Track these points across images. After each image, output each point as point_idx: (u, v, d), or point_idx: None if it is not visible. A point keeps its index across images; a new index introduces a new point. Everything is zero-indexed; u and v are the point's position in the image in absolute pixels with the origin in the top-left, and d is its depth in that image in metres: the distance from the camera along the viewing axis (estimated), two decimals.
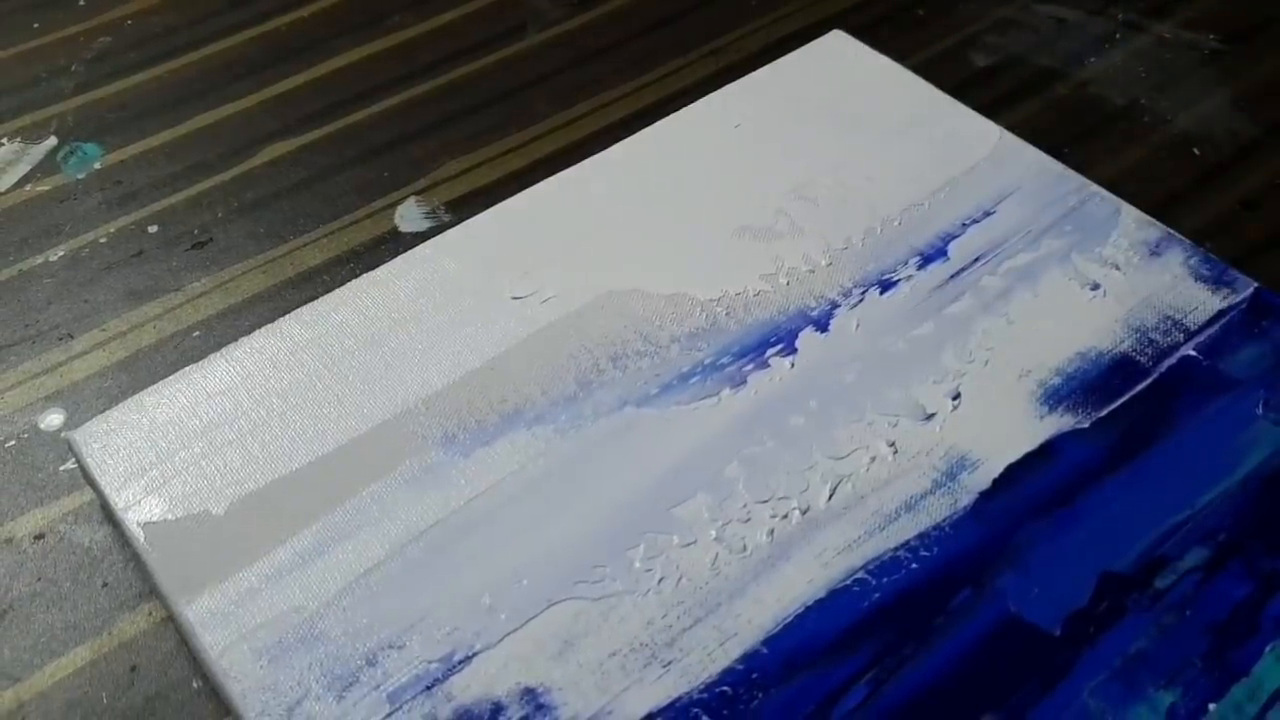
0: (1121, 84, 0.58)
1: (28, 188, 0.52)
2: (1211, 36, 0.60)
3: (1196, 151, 0.55)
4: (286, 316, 0.44)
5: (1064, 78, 0.59)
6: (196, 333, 0.47)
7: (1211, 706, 0.35)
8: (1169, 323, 0.44)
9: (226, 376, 0.42)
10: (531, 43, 0.60)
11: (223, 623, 0.36)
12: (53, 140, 0.54)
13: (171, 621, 0.38)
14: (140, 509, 0.38)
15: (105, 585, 0.39)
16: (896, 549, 0.38)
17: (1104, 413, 0.41)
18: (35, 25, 0.60)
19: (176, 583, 0.36)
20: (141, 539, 0.37)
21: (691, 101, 0.52)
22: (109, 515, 0.41)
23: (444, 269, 0.45)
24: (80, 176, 0.53)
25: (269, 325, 0.43)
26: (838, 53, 0.54)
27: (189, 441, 0.40)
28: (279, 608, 0.36)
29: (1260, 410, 0.41)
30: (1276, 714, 0.34)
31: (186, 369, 0.42)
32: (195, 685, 0.37)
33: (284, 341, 0.43)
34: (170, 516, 0.38)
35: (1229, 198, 0.53)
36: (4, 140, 0.54)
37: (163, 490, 0.38)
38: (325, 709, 0.34)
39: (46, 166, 0.53)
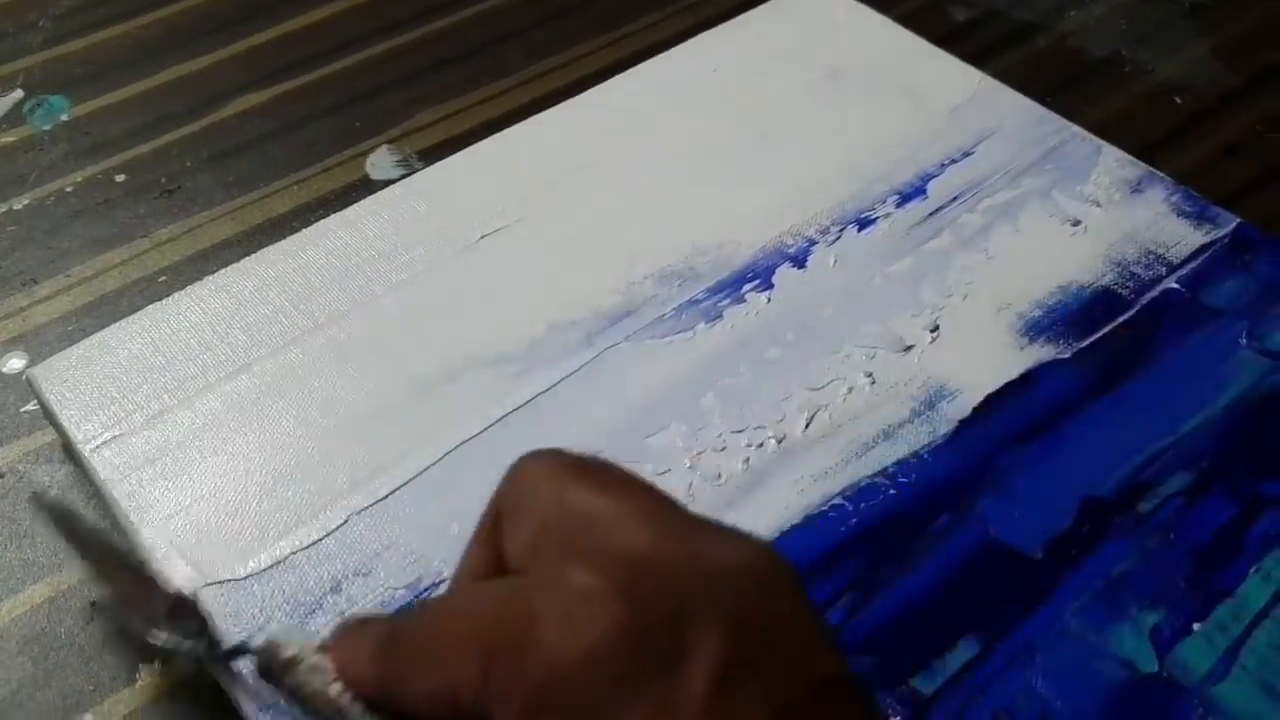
0: (1102, 36, 0.58)
1: None
2: None
3: (1178, 100, 0.55)
4: (252, 256, 0.43)
5: (1044, 30, 0.58)
6: (163, 278, 0.46)
7: (1196, 626, 0.34)
8: (1151, 257, 0.43)
9: (190, 314, 0.41)
10: None
11: (186, 554, 0.35)
12: (19, 93, 0.53)
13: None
14: (101, 443, 0.37)
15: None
16: (874, 475, 0.37)
17: (1085, 343, 0.41)
18: None
19: (138, 514, 0.35)
20: (102, 472, 0.36)
21: None
22: (70, 454, 0.40)
23: (414, 209, 0.44)
24: (47, 128, 0.52)
25: (234, 264, 0.43)
26: (816, 1, 0.54)
27: (151, 377, 0.39)
28: (243, 537, 0.35)
29: (1244, 340, 0.41)
30: (1262, 632, 0.34)
31: (150, 307, 0.41)
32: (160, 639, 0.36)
33: (250, 280, 0.42)
34: (131, 450, 0.37)
35: (1211, 144, 0.52)
36: None
37: (124, 424, 0.38)
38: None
39: (12, 118, 0.52)
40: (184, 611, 0.30)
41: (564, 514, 0.23)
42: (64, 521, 0.33)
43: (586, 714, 0.21)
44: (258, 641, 0.28)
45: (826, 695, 0.21)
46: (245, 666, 0.31)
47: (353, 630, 0.27)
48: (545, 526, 0.23)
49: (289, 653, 0.27)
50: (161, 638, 0.30)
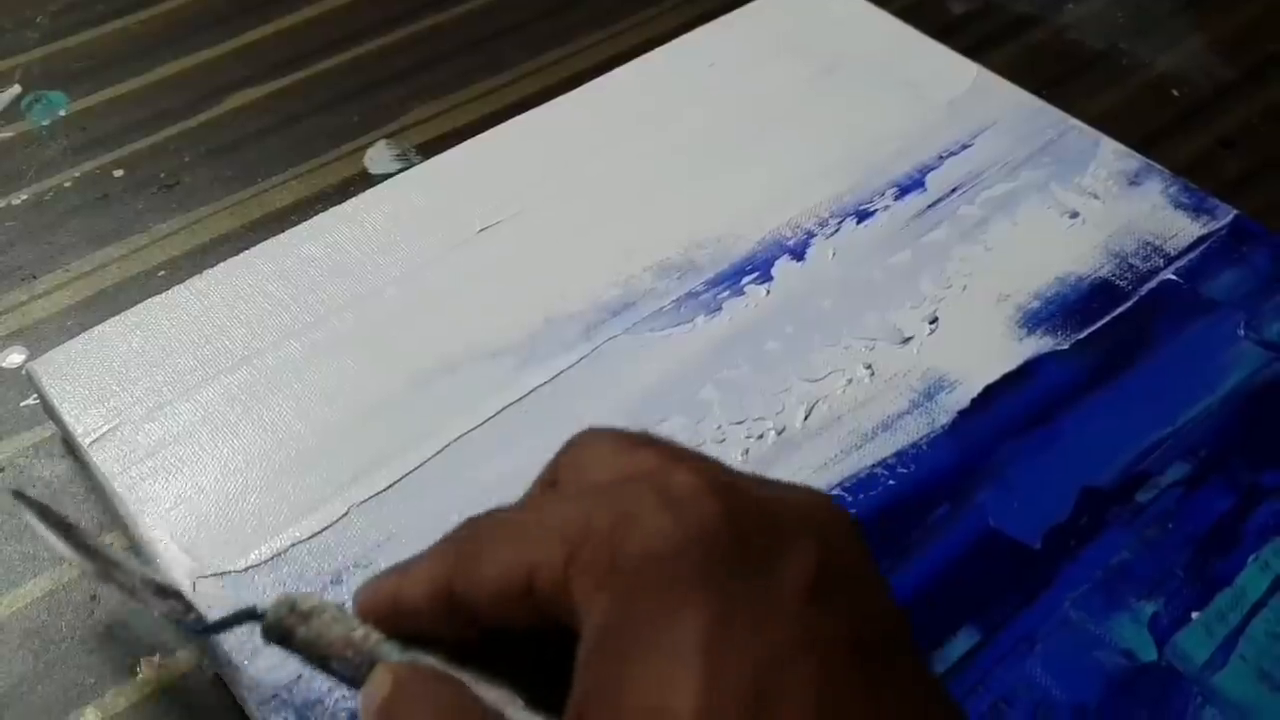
0: (1100, 29, 0.58)
1: None
2: None
3: (1175, 93, 0.55)
4: (251, 250, 0.43)
5: (1042, 23, 0.58)
6: (161, 273, 0.46)
7: (1195, 615, 0.34)
8: (1149, 248, 0.43)
9: (190, 308, 0.41)
10: None
11: (186, 546, 0.35)
12: (16, 88, 0.53)
13: (134, 550, 0.37)
14: (100, 436, 0.37)
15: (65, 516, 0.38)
16: (874, 466, 0.37)
17: (1084, 334, 0.41)
18: None
19: (138, 507, 0.35)
20: (102, 466, 0.36)
21: None
22: (70, 448, 0.40)
23: (412, 203, 0.44)
24: (45, 123, 0.52)
25: (234, 258, 0.43)
26: None
27: (150, 370, 0.39)
28: (243, 530, 0.35)
29: (1241, 331, 0.41)
30: (1260, 621, 0.34)
31: (148, 301, 0.41)
32: (157, 612, 0.36)
33: (249, 273, 0.42)
34: (131, 443, 0.37)
35: (1208, 137, 0.52)
36: None
37: (123, 417, 0.38)
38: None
39: (10, 114, 0.52)
40: (168, 594, 0.31)
41: (633, 472, 0.24)
42: (44, 515, 0.32)
43: (686, 590, 0.21)
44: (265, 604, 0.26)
45: (899, 626, 0.22)
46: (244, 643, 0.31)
47: (384, 572, 0.26)
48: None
49: (309, 604, 0.25)
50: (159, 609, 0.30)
